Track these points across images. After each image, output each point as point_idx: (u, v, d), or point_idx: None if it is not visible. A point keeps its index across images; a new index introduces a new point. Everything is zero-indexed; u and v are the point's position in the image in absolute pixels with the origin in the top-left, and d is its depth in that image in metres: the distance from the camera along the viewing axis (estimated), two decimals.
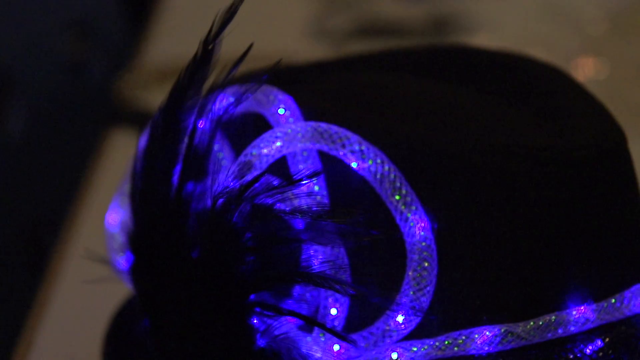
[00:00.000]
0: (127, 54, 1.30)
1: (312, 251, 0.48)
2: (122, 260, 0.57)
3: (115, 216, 0.58)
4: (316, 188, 0.49)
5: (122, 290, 0.66)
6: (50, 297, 0.73)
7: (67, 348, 0.67)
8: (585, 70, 1.13)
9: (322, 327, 0.48)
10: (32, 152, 1.15)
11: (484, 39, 1.18)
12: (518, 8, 1.38)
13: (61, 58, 1.27)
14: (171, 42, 1.24)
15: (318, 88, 0.55)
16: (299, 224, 0.48)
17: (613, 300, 0.51)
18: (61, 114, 1.21)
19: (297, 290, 0.49)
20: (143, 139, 0.53)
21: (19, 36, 1.20)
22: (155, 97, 1.02)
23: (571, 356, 0.50)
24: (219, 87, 0.51)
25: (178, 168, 0.51)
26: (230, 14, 0.50)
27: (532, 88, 0.57)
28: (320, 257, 0.48)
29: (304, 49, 1.03)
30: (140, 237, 0.54)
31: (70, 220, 0.86)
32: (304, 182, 0.48)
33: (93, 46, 1.32)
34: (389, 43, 0.98)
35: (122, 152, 0.96)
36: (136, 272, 0.55)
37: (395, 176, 0.48)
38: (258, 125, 0.51)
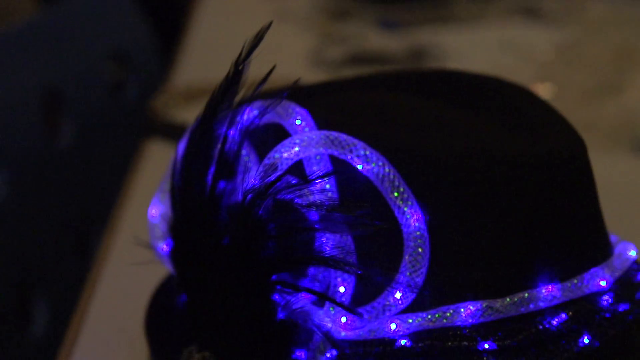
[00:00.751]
0: (159, 78, 1.29)
1: (324, 239, 0.48)
2: (163, 246, 0.57)
3: (156, 210, 0.58)
4: (327, 186, 0.49)
5: (160, 271, 0.66)
6: (99, 278, 0.73)
7: (114, 320, 0.67)
8: (538, 94, 1.12)
9: (333, 301, 0.48)
10: (80, 159, 1.15)
11: (452, 67, 1.18)
12: (481, 42, 1.38)
13: (104, 81, 1.26)
14: (194, 68, 1.24)
15: (328, 103, 0.55)
16: (314, 215, 0.48)
17: (575, 281, 0.51)
18: (104, 127, 1.21)
19: (311, 271, 0.49)
20: (182, 145, 0.53)
21: (70, 63, 1.20)
22: (182, 113, 1.02)
23: (540, 327, 0.49)
24: (246, 102, 0.51)
25: (212, 169, 0.51)
26: (257, 41, 0.51)
27: (506, 104, 0.57)
28: (331, 243, 0.48)
29: (306, 75, 1.02)
30: (179, 227, 0.54)
31: (114, 215, 0.85)
32: (317, 181, 0.48)
33: (131, 71, 1.32)
34: (375, 69, 0.97)
35: (156, 158, 0.96)
36: (175, 256, 0.55)
37: (394, 176, 0.48)
38: (278, 134, 0.51)
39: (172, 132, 0.99)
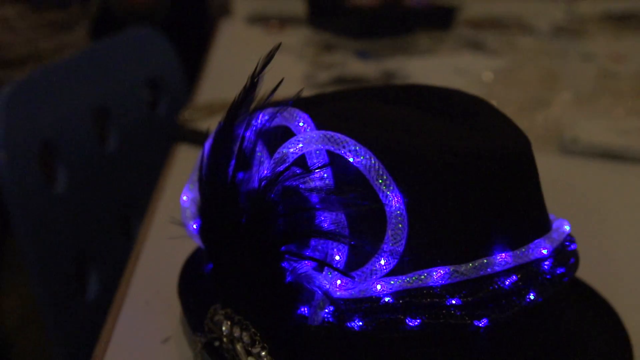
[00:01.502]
0: (185, 97, 1.29)
1: (322, 216, 0.48)
2: (193, 225, 0.56)
3: (186, 196, 0.57)
4: (325, 175, 0.48)
5: (189, 246, 0.65)
6: (140, 254, 0.72)
7: (153, 285, 0.66)
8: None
9: (330, 267, 0.47)
10: (123, 160, 1.15)
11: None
12: (438, 68, 1.39)
13: (142, 100, 1.25)
14: (213, 89, 1.24)
15: (324, 109, 0.54)
16: (314, 198, 0.47)
17: (523, 250, 0.50)
18: (142, 136, 1.21)
19: (312, 242, 0.48)
20: (208, 143, 0.52)
21: (115, 86, 1.20)
22: (204, 124, 1.01)
23: (496, 287, 0.49)
24: (259, 109, 0.51)
25: (232, 162, 0.50)
26: (268, 59, 0.50)
27: (466, 110, 0.57)
28: (328, 220, 0.48)
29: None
30: (206, 209, 0.53)
31: (152, 203, 0.84)
32: (317, 171, 0.48)
33: (162, 92, 1.31)
34: None
35: (183, 159, 0.96)
36: (203, 233, 0.54)
37: (379, 167, 0.47)
38: (285, 133, 0.50)
39: (196, 138, 0.99)
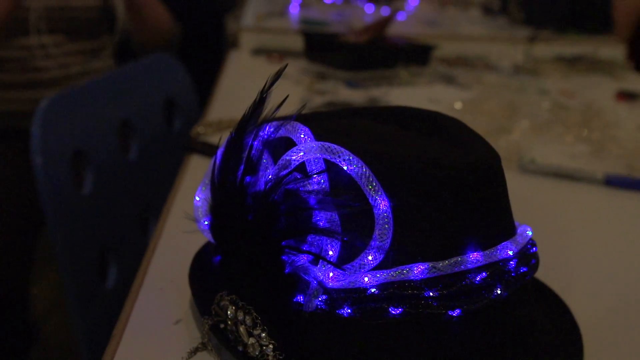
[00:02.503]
0: (197, 115, 1.28)
1: (319, 216, 0.47)
2: (204, 221, 0.55)
3: (199, 196, 0.56)
4: (322, 180, 0.47)
5: (199, 241, 0.64)
6: (156, 247, 0.71)
7: (167, 274, 0.65)
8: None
9: (324, 260, 0.47)
10: (143, 168, 1.14)
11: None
12: (415, 97, 1.38)
13: (159, 116, 1.24)
14: (222, 109, 1.22)
15: (322, 124, 0.53)
16: (312, 200, 0.47)
17: (492, 250, 0.50)
18: (160, 147, 1.20)
19: (309, 238, 0.47)
20: (220, 151, 0.52)
21: (136, 102, 1.19)
22: (213, 138, 1.01)
23: (468, 282, 0.48)
24: (265, 122, 0.50)
25: (241, 168, 0.49)
26: (276, 77, 0.49)
27: (444, 129, 0.56)
28: (324, 219, 0.47)
29: None
30: (216, 208, 0.52)
31: (167, 205, 0.83)
32: (315, 176, 0.47)
33: (178, 110, 1.30)
34: None
35: (195, 167, 0.94)
36: (214, 228, 0.53)
37: (369, 174, 0.47)
38: (288, 144, 0.50)
39: (206, 150, 0.98)
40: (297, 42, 1.63)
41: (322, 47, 1.52)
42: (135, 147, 1.14)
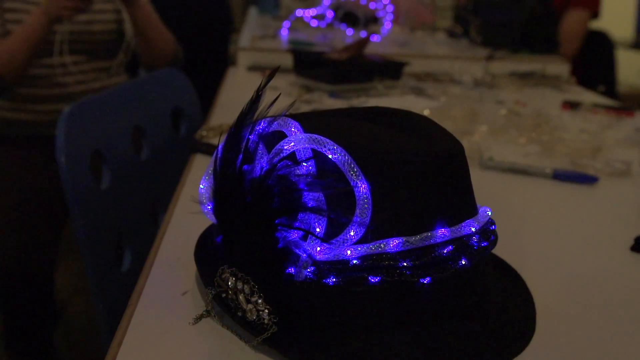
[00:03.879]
0: (200, 122, 1.28)
1: (307, 197, 0.47)
2: (207, 206, 0.54)
3: (203, 184, 0.55)
4: (310, 167, 0.47)
5: (203, 224, 0.63)
6: (166, 231, 0.71)
7: (175, 253, 0.64)
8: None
9: (313, 235, 0.47)
10: (153, 167, 1.13)
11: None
12: (389, 106, 1.36)
13: (167, 122, 1.23)
14: (222, 115, 1.22)
15: (310, 121, 0.53)
16: (302, 183, 0.47)
17: (458, 227, 0.50)
18: (168, 148, 1.19)
19: (299, 216, 0.47)
20: (221, 143, 0.51)
21: (147, 111, 1.19)
22: (214, 140, 1.00)
23: (437, 254, 0.48)
24: (260, 117, 0.50)
25: (240, 157, 0.49)
26: (270, 76, 0.49)
27: (416, 125, 0.56)
28: (312, 199, 0.47)
29: None
30: (219, 192, 0.51)
31: (174, 198, 0.82)
32: (304, 163, 0.47)
33: (183, 118, 1.30)
34: None
35: (199, 165, 0.94)
36: (216, 210, 0.52)
37: (351, 162, 0.47)
38: (280, 136, 0.49)
39: (209, 150, 0.97)
40: (287, 60, 1.63)
41: (309, 63, 1.52)
42: (147, 149, 1.13)
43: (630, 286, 0.63)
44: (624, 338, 0.54)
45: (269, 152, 0.49)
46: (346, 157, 0.46)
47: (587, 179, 0.94)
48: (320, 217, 0.46)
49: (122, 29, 1.62)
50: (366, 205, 0.46)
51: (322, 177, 0.47)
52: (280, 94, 0.49)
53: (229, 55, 2.12)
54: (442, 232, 0.48)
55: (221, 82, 1.60)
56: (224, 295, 0.51)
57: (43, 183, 1.46)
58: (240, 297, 0.49)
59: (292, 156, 0.48)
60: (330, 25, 2.42)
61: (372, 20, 2.47)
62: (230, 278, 0.50)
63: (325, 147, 0.47)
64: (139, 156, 1.11)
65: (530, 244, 0.72)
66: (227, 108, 1.30)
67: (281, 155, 0.47)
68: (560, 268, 0.67)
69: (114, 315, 0.93)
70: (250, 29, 2.26)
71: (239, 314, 0.50)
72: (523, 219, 0.80)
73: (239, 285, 0.49)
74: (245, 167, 0.49)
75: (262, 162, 0.48)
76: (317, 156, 0.47)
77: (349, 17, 2.42)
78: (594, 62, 2.44)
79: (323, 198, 0.46)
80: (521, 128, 1.21)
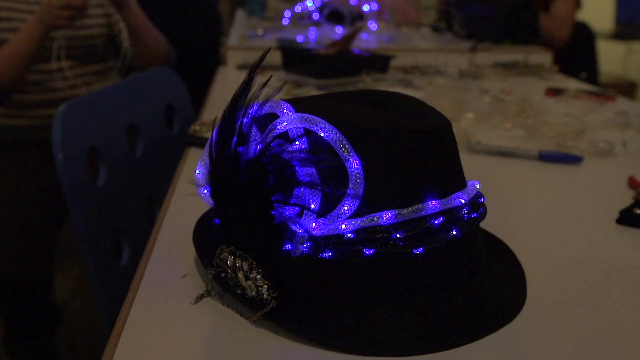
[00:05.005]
0: (193, 118, 1.28)
1: (301, 172, 0.47)
2: (204, 190, 0.54)
3: (199, 170, 0.55)
4: (302, 145, 0.48)
5: (200, 209, 0.64)
6: (163, 220, 0.71)
7: (174, 239, 0.65)
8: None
9: (308, 210, 0.47)
10: (147, 163, 1.13)
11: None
12: None
13: (161, 119, 1.24)
14: (213, 114, 1.22)
15: (302, 103, 0.53)
16: (294, 160, 0.47)
17: (448, 199, 0.51)
18: (161, 146, 1.19)
19: (295, 192, 0.48)
20: (216, 127, 0.51)
21: (142, 108, 1.18)
22: (206, 134, 1.00)
23: (428, 225, 0.49)
24: (253, 99, 0.50)
25: (234, 139, 0.49)
26: (261, 59, 0.50)
27: (404, 104, 0.57)
28: (305, 175, 0.47)
29: None
30: (215, 174, 0.52)
31: (170, 190, 0.82)
32: (296, 142, 0.48)
33: (176, 115, 1.30)
34: None
35: (193, 160, 0.94)
36: (213, 191, 0.53)
37: (342, 140, 0.47)
38: (273, 117, 0.50)
39: (202, 143, 0.98)
40: (277, 57, 1.63)
41: (297, 59, 1.52)
42: (141, 146, 1.13)
43: (617, 257, 0.64)
44: (612, 305, 0.55)
45: (262, 133, 0.49)
46: (337, 135, 0.47)
47: (572, 159, 0.95)
48: (315, 193, 0.47)
49: (112, 33, 1.62)
50: (358, 180, 0.47)
51: (315, 153, 0.47)
52: (272, 75, 0.50)
53: (219, 57, 2.12)
54: (433, 204, 0.49)
55: (212, 81, 1.60)
56: (223, 275, 0.52)
57: (40, 187, 1.46)
58: (240, 274, 0.50)
59: (284, 135, 0.48)
60: (317, 23, 2.43)
61: (357, 18, 2.48)
62: (229, 257, 0.50)
63: (316, 125, 0.47)
64: (134, 153, 1.11)
65: (520, 222, 0.73)
66: (218, 105, 1.30)
67: (273, 134, 0.48)
68: (550, 243, 0.67)
69: (115, 309, 0.93)
70: (238, 30, 2.26)
71: (239, 291, 0.50)
72: (512, 199, 0.81)
73: (238, 262, 0.50)
74: (239, 148, 0.49)
75: (255, 142, 0.49)
76: (310, 135, 0.47)
77: (335, 15, 2.43)
78: (576, 53, 2.45)
79: (316, 173, 0.47)
80: (506, 114, 1.22)
